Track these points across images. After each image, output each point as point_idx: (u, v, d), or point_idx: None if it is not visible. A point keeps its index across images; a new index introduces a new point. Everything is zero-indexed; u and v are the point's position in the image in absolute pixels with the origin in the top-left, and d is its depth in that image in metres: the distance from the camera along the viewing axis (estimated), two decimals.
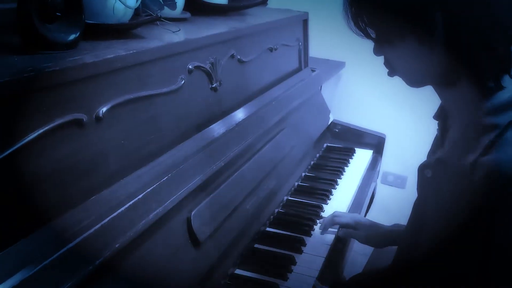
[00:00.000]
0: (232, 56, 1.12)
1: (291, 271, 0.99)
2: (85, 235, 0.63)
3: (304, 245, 1.08)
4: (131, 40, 0.85)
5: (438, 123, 0.87)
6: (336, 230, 1.14)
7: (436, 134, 0.89)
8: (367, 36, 0.76)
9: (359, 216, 1.18)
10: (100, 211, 0.67)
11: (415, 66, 0.75)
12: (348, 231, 1.12)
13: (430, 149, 0.92)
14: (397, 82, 2.52)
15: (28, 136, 0.59)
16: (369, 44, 2.41)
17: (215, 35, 1.02)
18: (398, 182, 2.46)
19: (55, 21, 0.70)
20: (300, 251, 1.06)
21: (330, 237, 1.13)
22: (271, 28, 1.36)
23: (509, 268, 0.68)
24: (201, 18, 1.24)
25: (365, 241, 1.12)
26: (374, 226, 1.12)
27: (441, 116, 0.86)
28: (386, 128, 1.88)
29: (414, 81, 0.78)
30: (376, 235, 1.10)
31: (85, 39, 0.76)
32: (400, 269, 0.96)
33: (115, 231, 0.67)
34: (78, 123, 0.67)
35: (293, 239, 1.10)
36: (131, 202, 0.71)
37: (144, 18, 0.87)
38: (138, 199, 0.73)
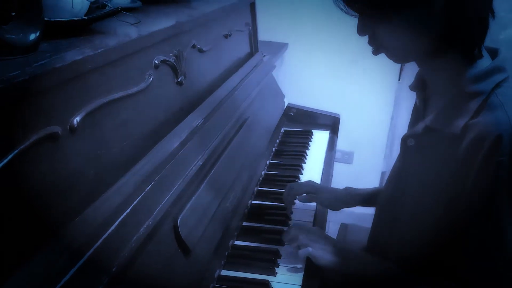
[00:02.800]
0: (194, 46, 1.06)
1: (277, 265, 0.97)
2: (79, 264, 0.56)
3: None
4: (93, 37, 0.76)
5: (417, 94, 0.89)
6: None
7: (415, 105, 0.91)
8: (359, 11, 0.75)
9: (313, 182, 1.23)
10: (89, 232, 0.60)
11: (406, 41, 0.75)
12: (311, 196, 1.18)
13: (410, 120, 0.94)
14: (339, 60, 2.58)
15: (3, 159, 0.50)
16: (311, 23, 2.40)
17: (177, 25, 0.95)
18: (346, 158, 2.51)
19: (10, 21, 0.60)
20: (282, 243, 1.03)
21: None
22: (224, 14, 1.30)
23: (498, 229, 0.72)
24: (152, 7, 1.15)
25: (327, 204, 1.19)
26: (330, 189, 1.22)
27: (418, 86, 0.88)
28: (333, 106, 1.90)
29: (403, 56, 0.80)
30: (334, 198, 1.19)
31: (43, 39, 0.67)
32: (379, 241, 0.99)
33: (109, 253, 0.61)
34: (53, 137, 0.59)
35: (272, 231, 1.07)
36: (120, 219, 0.65)
37: (104, 11, 0.78)
38: (127, 214, 0.66)
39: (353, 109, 2.32)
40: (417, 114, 0.90)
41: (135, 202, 0.69)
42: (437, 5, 0.69)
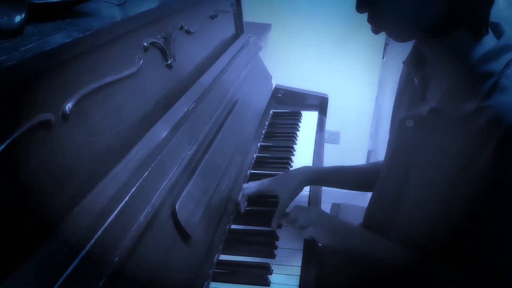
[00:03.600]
0: (181, 28, 1.02)
1: (276, 247, 0.96)
2: (80, 257, 0.54)
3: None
4: (79, 19, 0.72)
5: (416, 73, 0.84)
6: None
7: (412, 85, 0.87)
8: None
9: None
10: (88, 223, 0.58)
11: (411, 17, 0.71)
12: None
13: (405, 101, 0.90)
14: (324, 40, 2.54)
15: None
16: (294, 3, 2.35)
17: (165, 5, 0.91)
18: (333, 138, 2.51)
19: None
20: (279, 225, 1.03)
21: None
22: None
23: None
24: None
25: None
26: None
27: (414, 63, 0.85)
28: (318, 87, 1.88)
29: (406, 35, 0.75)
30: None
31: (27, 23, 0.63)
32: (377, 223, 0.97)
33: (110, 244, 0.59)
34: (46, 124, 0.56)
35: (268, 213, 1.06)
36: (118, 208, 0.62)
37: None
38: (125, 202, 0.64)
39: (339, 89, 2.31)
40: (414, 94, 0.86)
41: (133, 190, 0.66)
42: None
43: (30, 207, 0.53)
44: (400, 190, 0.87)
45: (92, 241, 0.56)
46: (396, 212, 0.89)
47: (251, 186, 1.11)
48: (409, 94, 0.89)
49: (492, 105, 0.67)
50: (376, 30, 0.75)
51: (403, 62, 0.89)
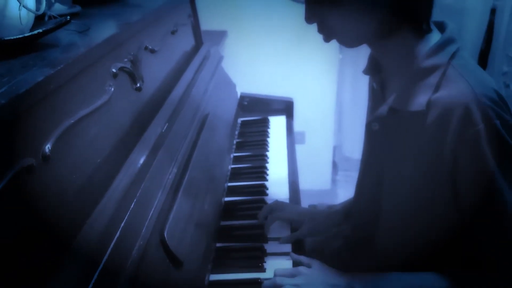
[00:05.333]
0: (146, 48, 1.00)
1: (264, 261, 0.96)
2: None
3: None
4: (45, 52, 0.70)
5: (372, 77, 0.88)
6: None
7: (372, 89, 0.90)
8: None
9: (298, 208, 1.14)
10: (83, 267, 0.56)
11: (357, 24, 0.74)
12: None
13: (369, 105, 0.94)
14: (281, 43, 2.55)
15: None
16: (248, 9, 2.34)
17: (128, 27, 0.89)
18: (298, 138, 2.53)
19: None
20: (266, 240, 1.02)
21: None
22: (168, 8, 1.24)
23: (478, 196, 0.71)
24: (92, 10, 1.08)
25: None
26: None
27: (372, 69, 0.87)
28: (280, 90, 1.90)
29: (355, 41, 0.78)
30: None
31: None
32: (365, 232, 0.95)
33: (109, 285, 0.56)
34: (29, 169, 0.53)
35: (252, 227, 1.06)
36: (112, 245, 0.60)
37: (53, 21, 0.72)
38: (118, 237, 0.62)
39: (300, 89, 2.33)
40: (376, 98, 0.88)
41: (122, 225, 0.64)
42: None
43: (19, 255, 0.50)
44: (376, 197, 0.88)
45: (91, 284, 0.54)
46: (375, 217, 0.89)
47: (283, 209, 1.08)
48: (372, 99, 0.91)
49: (443, 96, 0.70)
50: (326, 39, 0.78)
51: (363, 71, 0.90)
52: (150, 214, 0.72)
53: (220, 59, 1.56)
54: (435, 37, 0.76)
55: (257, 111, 1.68)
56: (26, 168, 0.52)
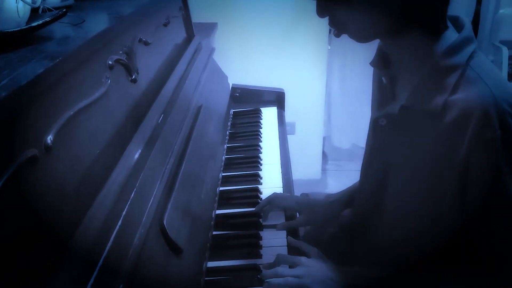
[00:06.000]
0: (140, 40, 1.01)
1: (261, 247, 0.98)
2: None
3: (261, 217, 1.07)
4: (42, 45, 0.70)
5: (383, 72, 0.86)
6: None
7: (380, 83, 0.88)
8: None
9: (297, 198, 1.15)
10: (87, 257, 0.57)
11: (367, 20, 0.73)
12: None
13: (377, 100, 0.91)
14: (271, 34, 2.55)
15: None
16: (239, 1, 2.31)
17: (123, 19, 0.90)
18: (289, 129, 2.54)
19: None
20: (261, 227, 1.04)
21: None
22: (159, 0, 1.25)
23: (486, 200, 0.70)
24: (85, 3, 1.08)
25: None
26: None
27: (380, 63, 0.86)
28: (271, 81, 1.91)
29: (365, 36, 0.77)
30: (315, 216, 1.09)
31: None
32: (367, 224, 0.96)
33: (113, 272, 0.58)
34: (33, 160, 0.54)
35: (247, 215, 1.08)
36: (114, 234, 0.62)
37: (49, 14, 0.72)
38: (120, 226, 0.63)
39: (290, 81, 2.34)
40: (385, 92, 0.87)
41: (123, 213, 0.66)
42: None
43: (28, 245, 0.51)
44: (379, 189, 0.88)
45: (95, 273, 0.55)
46: (377, 211, 0.90)
47: (279, 203, 1.10)
48: (380, 93, 0.90)
49: (461, 98, 0.68)
50: (337, 34, 0.77)
51: (370, 63, 0.90)
52: (150, 203, 0.73)
53: (212, 51, 1.57)
54: (451, 35, 0.74)
55: (249, 102, 1.70)
56: (30, 158, 0.53)
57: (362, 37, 0.77)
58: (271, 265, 0.89)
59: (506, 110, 0.66)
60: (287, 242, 0.99)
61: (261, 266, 0.91)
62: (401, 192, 0.83)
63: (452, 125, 0.69)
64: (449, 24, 0.75)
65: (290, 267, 0.87)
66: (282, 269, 0.86)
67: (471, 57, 0.71)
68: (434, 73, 0.72)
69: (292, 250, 0.96)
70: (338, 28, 0.77)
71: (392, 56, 0.84)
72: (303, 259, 0.88)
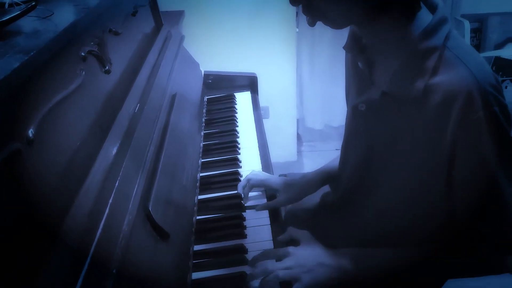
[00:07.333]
0: (110, 31, 1.00)
1: (245, 227, 1.01)
2: (82, 276, 0.54)
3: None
4: (13, 39, 0.69)
5: (359, 57, 0.84)
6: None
7: (356, 68, 0.86)
8: None
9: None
10: (78, 245, 0.58)
11: (345, 5, 0.70)
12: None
13: (354, 85, 0.89)
14: (239, 19, 2.53)
15: None
16: None
17: (92, 10, 0.89)
18: (263, 113, 2.56)
19: None
20: (243, 209, 1.07)
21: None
22: None
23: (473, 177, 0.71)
24: None
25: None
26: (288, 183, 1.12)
27: (354, 47, 0.84)
28: (242, 66, 1.92)
29: (342, 23, 0.75)
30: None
31: None
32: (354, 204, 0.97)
33: (105, 257, 0.59)
34: (17, 154, 0.54)
35: (230, 197, 1.10)
36: (101, 225, 0.62)
37: (18, 8, 0.71)
38: (107, 214, 0.64)
39: (261, 65, 2.36)
40: (362, 77, 0.85)
41: (111, 201, 0.67)
42: None
43: (18, 237, 0.52)
44: (363, 169, 0.89)
45: (88, 260, 0.56)
46: (362, 191, 0.91)
47: (257, 178, 1.11)
48: (357, 79, 0.87)
49: (443, 82, 0.68)
50: (311, 22, 0.74)
51: (343, 47, 0.88)
52: (134, 191, 0.74)
53: (182, 38, 1.57)
54: (425, 16, 0.73)
55: (222, 88, 1.71)
56: (13, 152, 0.53)
57: (340, 24, 0.75)
58: (257, 260, 0.88)
59: (488, 91, 0.66)
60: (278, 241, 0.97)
61: (243, 244, 0.93)
62: (387, 174, 0.84)
63: (436, 108, 0.69)
64: (422, 5, 0.74)
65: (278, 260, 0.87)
66: (272, 264, 0.85)
67: (447, 37, 0.70)
68: (412, 57, 0.71)
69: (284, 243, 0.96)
70: (313, 16, 0.73)
71: (367, 40, 0.82)
72: (289, 249, 0.88)
